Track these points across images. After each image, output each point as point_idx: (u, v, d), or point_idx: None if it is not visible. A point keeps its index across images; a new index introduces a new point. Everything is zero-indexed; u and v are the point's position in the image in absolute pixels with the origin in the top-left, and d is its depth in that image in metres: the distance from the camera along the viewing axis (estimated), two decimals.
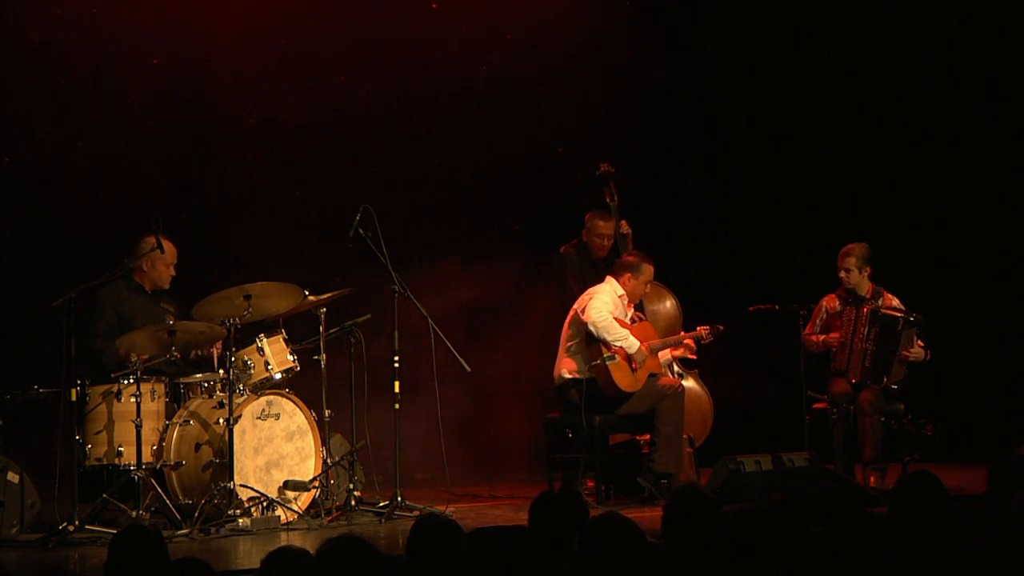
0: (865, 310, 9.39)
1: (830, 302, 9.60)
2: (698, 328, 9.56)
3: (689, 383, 9.73)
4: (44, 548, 7.78)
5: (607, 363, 9.08)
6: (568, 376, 9.27)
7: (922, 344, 9.39)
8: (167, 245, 8.66)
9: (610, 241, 9.81)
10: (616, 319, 9.16)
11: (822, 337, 9.54)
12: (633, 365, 9.17)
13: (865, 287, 9.52)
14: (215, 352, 8.76)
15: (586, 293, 9.31)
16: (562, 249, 9.91)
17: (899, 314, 9.38)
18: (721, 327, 9.51)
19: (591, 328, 9.10)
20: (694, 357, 9.69)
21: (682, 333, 9.62)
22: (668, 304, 9.90)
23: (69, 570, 7.41)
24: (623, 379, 9.15)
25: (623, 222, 9.87)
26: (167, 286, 8.86)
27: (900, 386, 9.38)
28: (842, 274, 9.49)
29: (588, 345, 9.17)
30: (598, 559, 4.35)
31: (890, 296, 9.56)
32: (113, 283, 8.71)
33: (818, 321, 9.63)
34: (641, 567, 4.36)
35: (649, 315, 9.74)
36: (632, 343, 9.13)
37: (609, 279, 9.34)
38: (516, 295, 10.31)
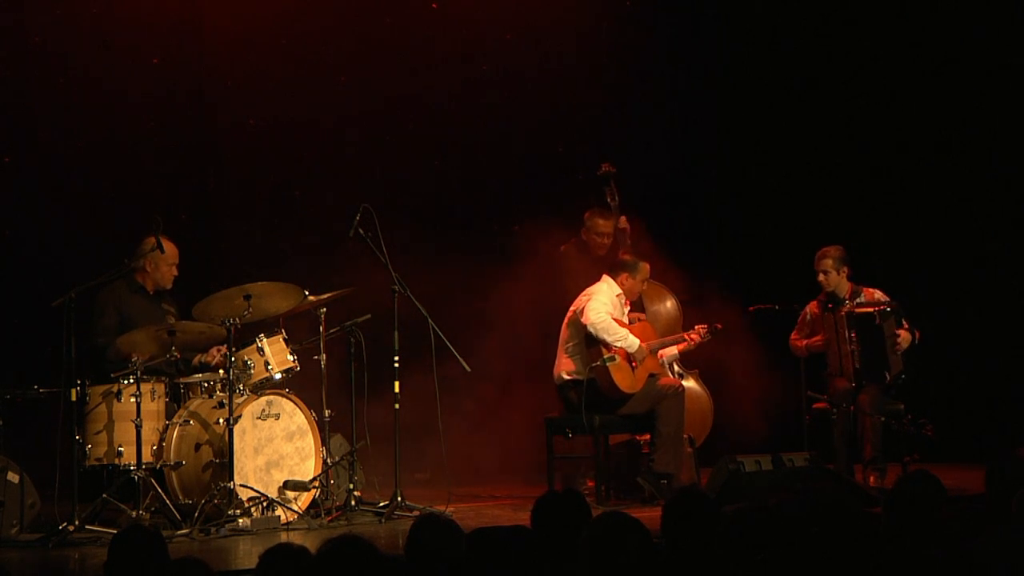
0: (841, 313, 9.41)
1: (812, 308, 9.64)
2: (696, 327, 9.58)
3: (689, 383, 9.75)
4: (44, 548, 7.78)
5: (607, 364, 9.10)
6: (567, 377, 9.29)
7: (907, 327, 9.40)
8: (168, 245, 8.67)
9: (610, 239, 9.85)
10: (615, 319, 9.18)
11: (805, 342, 9.59)
12: (633, 364, 9.19)
13: (844, 288, 9.54)
14: (218, 359, 8.74)
15: (583, 293, 9.33)
16: (562, 248, 9.95)
17: (872, 309, 9.38)
18: (720, 325, 9.54)
19: (590, 329, 9.12)
20: (698, 339, 9.62)
21: (681, 333, 9.64)
22: (669, 304, 9.92)
23: (69, 570, 7.42)
24: (623, 380, 9.16)
25: (622, 217, 9.90)
26: (170, 286, 8.86)
27: (904, 376, 9.37)
28: (820, 277, 9.52)
29: (588, 347, 9.19)
30: (602, 557, 4.35)
31: (871, 291, 9.57)
32: (114, 284, 8.71)
33: (804, 328, 9.66)
34: (645, 565, 4.36)
35: (650, 315, 9.77)
36: (632, 342, 9.16)
37: (606, 278, 9.36)
38: (516, 295, 10.30)
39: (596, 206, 9.93)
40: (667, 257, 10.06)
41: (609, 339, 9.11)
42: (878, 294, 9.55)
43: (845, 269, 9.52)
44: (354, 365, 8.84)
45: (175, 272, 8.84)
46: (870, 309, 9.39)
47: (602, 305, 9.17)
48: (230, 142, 10.97)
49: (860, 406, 9.26)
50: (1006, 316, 10.98)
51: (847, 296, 9.52)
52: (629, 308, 9.44)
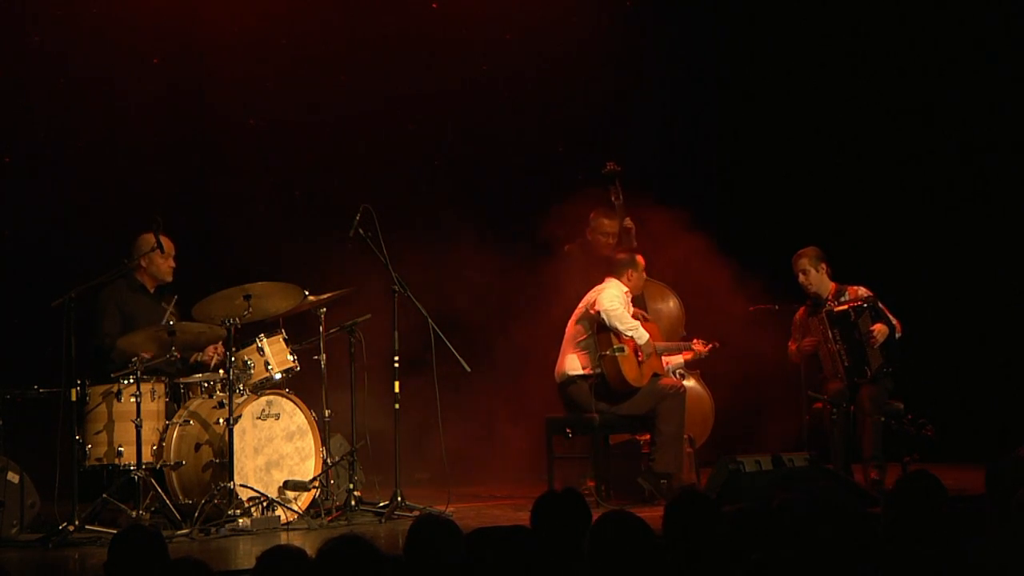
0: (822, 314, 9.42)
1: (800, 314, 9.64)
2: (695, 340, 9.62)
3: (691, 383, 9.76)
4: (44, 548, 7.78)
5: (616, 355, 9.12)
6: (574, 373, 9.29)
7: (886, 316, 9.36)
8: (164, 241, 8.68)
9: (615, 239, 9.85)
10: None
11: (796, 346, 9.59)
12: (640, 357, 9.20)
13: (827, 287, 9.53)
14: (215, 358, 8.75)
15: (593, 290, 9.35)
16: (566, 248, 9.94)
17: (847, 306, 9.38)
18: (719, 344, 9.58)
19: (603, 316, 9.13)
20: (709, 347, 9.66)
21: (685, 343, 9.67)
22: (671, 303, 9.94)
23: (69, 570, 7.42)
24: (630, 371, 9.19)
25: (627, 218, 9.90)
26: (169, 278, 8.86)
27: (891, 368, 9.34)
28: (800, 277, 9.51)
29: (598, 334, 9.21)
30: (607, 556, 4.35)
31: (855, 288, 9.56)
32: (115, 283, 8.72)
33: (797, 334, 9.66)
34: (649, 565, 4.36)
35: (653, 314, 9.78)
36: (642, 334, 9.19)
37: (610, 279, 9.36)
38: (516, 295, 10.30)
39: (601, 206, 9.93)
40: (666, 257, 10.06)
41: (621, 327, 9.13)
42: (862, 291, 9.54)
43: (824, 266, 9.51)
44: (354, 365, 8.84)
45: (172, 264, 8.84)
46: (845, 307, 9.40)
47: (615, 296, 9.21)
48: (230, 142, 10.97)
49: (860, 406, 9.25)
50: (1006, 316, 10.98)
51: (830, 296, 9.52)
52: (631, 310, 9.44)
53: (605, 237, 9.85)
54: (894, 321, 9.38)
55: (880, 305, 9.41)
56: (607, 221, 9.85)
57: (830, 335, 9.40)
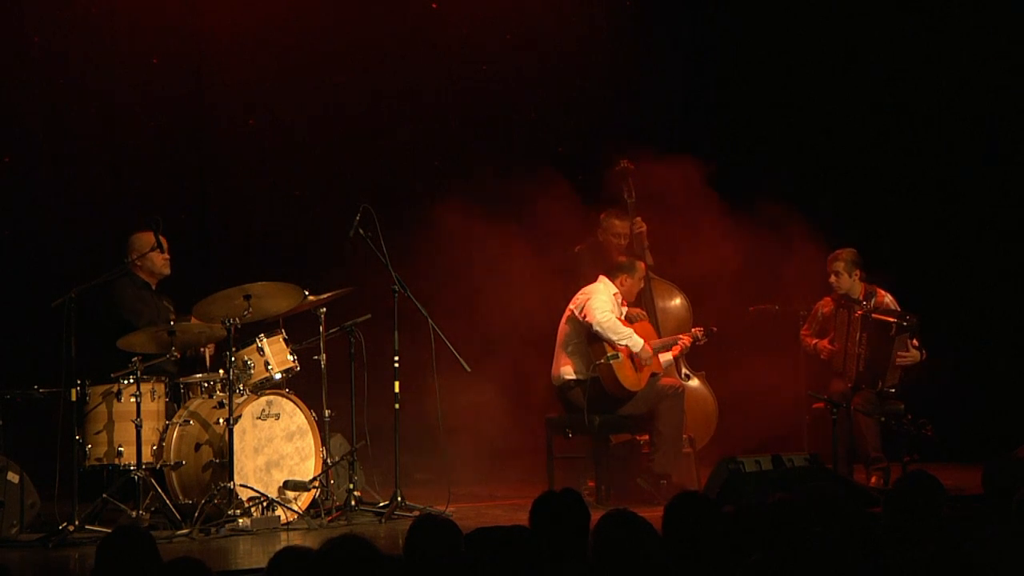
0: (857, 314, 9.40)
1: (825, 305, 9.63)
2: (692, 329, 9.60)
3: (695, 384, 9.74)
4: (44, 548, 7.78)
5: (611, 362, 9.10)
6: (568, 377, 9.27)
7: (916, 344, 9.41)
8: (163, 240, 8.70)
9: (627, 240, 9.78)
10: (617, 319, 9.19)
11: (814, 341, 9.59)
12: (637, 363, 9.19)
13: (858, 290, 9.54)
14: (207, 352, 8.76)
15: (581, 292, 9.31)
16: (576, 249, 9.91)
17: (891, 319, 9.36)
18: (715, 328, 9.55)
19: (596, 328, 9.10)
20: (690, 341, 9.63)
21: (678, 335, 9.64)
22: (678, 302, 9.92)
23: (69, 570, 7.42)
24: (627, 378, 9.17)
25: (638, 219, 9.85)
26: (168, 271, 8.87)
27: (897, 389, 9.39)
28: (832, 278, 9.53)
29: (591, 344, 9.18)
30: (611, 555, 4.35)
31: (883, 293, 9.57)
32: (121, 279, 8.71)
33: (814, 324, 9.65)
34: (654, 565, 4.36)
35: (660, 313, 9.76)
36: (636, 341, 9.16)
37: (602, 278, 9.35)
38: (516, 295, 10.30)
39: (612, 207, 9.89)
40: (667, 257, 10.06)
41: (614, 338, 9.11)
42: (888, 298, 9.55)
43: (858, 272, 9.52)
44: (354, 365, 8.84)
45: (167, 256, 8.85)
46: (890, 319, 9.37)
47: (604, 304, 9.16)
48: (230, 142, 10.97)
49: (854, 405, 9.27)
50: (1006, 316, 10.97)
51: (861, 297, 9.52)
52: (626, 308, 9.42)
53: (616, 239, 9.77)
54: (923, 351, 9.40)
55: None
56: (618, 222, 9.78)
57: (857, 337, 9.39)
